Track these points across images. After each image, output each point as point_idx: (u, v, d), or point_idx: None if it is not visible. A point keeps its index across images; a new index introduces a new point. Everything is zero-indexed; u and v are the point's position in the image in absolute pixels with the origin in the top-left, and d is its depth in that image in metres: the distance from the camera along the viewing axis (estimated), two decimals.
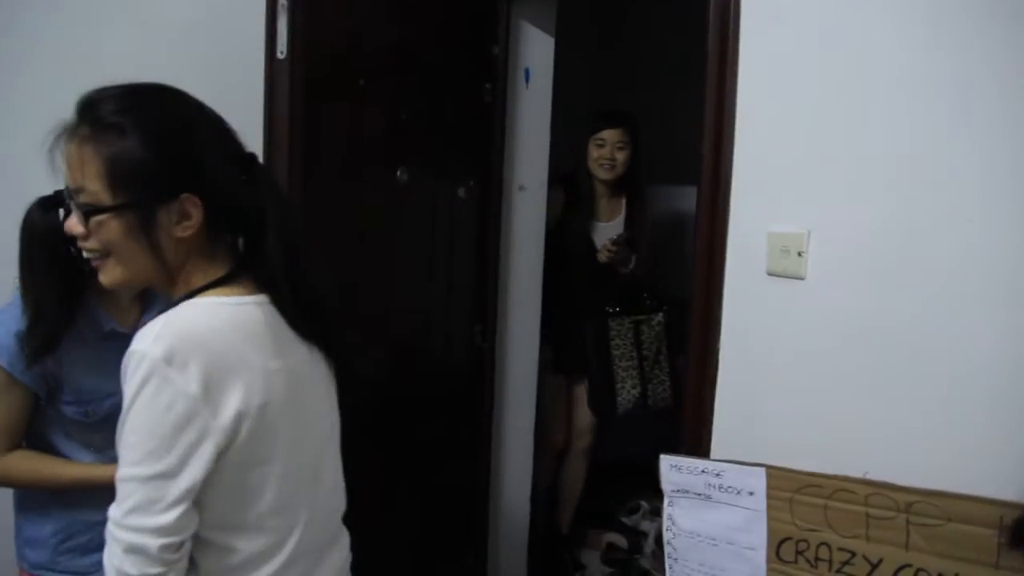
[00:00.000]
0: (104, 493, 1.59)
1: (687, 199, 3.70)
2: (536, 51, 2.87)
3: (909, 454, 1.39)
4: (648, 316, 3.26)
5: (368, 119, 2.27)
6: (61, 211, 1.50)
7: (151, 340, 1.12)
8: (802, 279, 1.54)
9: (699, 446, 1.77)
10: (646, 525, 3.68)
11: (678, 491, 1.61)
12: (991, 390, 1.31)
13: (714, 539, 1.55)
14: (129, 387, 1.14)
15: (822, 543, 1.42)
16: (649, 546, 3.46)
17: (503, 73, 2.75)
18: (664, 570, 3.13)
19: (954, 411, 1.35)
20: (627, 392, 3.21)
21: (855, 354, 1.47)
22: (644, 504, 3.82)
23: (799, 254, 1.54)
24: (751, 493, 1.49)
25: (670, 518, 1.63)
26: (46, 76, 2.15)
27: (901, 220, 1.39)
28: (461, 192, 2.66)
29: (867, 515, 1.37)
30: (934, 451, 1.37)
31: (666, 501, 1.63)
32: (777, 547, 1.47)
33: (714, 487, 1.54)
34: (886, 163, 1.41)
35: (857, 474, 1.41)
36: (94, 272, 1.40)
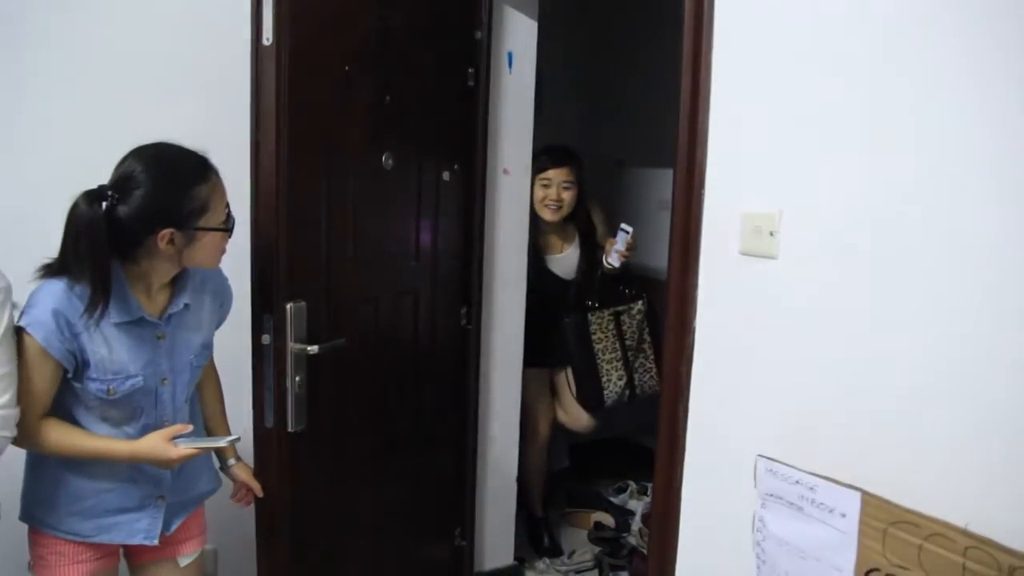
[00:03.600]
0: (116, 465, 1.78)
1: (668, 182, 3.78)
2: (519, 35, 2.89)
3: (880, 437, 1.40)
4: (628, 306, 3.28)
5: (354, 105, 2.29)
6: (104, 203, 1.65)
7: None
8: (774, 258, 1.57)
9: (675, 426, 1.81)
10: (633, 504, 3.73)
11: (772, 495, 1.58)
12: (968, 368, 1.29)
13: (802, 552, 1.52)
14: None
15: None
16: (636, 524, 3.50)
17: (486, 57, 2.77)
18: (647, 548, 3.19)
19: (928, 394, 1.34)
20: (613, 384, 3.25)
21: (826, 333, 1.50)
22: (631, 483, 3.87)
23: (771, 234, 1.56)
24: (843, 515, 1.45)
25: (761, 520, 1.61)
26: (33, 66, 2.17)
27: (873, 199, 1.40)
28: (446, 176, 2.68)
29: (964, 567, 1.28)
30: (908, 438, 1.36)
31: (759, 502, 1.61)
32: (865, 575, 1.42)
33: (807, 500, 1.51)
34: (859, 143, 1.42)
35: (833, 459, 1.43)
36: (132, 260, 1.71)
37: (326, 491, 2.35)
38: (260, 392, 2.12)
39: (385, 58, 2.37)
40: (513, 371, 3.12)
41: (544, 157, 3.13)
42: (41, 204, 2.17)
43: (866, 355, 1.42)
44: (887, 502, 1.38)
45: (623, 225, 3.12)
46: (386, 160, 2.40)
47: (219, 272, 1.96)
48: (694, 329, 1.77)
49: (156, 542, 1.87)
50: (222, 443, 1.91)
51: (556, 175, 3.16)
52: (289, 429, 2.10)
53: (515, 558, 3.27)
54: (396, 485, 2.65)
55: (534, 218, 3.14)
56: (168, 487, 1.88)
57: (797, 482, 1.53)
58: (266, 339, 2.08)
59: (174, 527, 1.92)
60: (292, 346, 2.09)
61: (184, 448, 1.76)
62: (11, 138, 2.17)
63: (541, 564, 3.36)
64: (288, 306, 2.08)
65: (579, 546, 3.54)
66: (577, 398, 3.33)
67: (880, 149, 1.39)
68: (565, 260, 3.32)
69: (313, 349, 2.11)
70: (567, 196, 3.19)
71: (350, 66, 2.22)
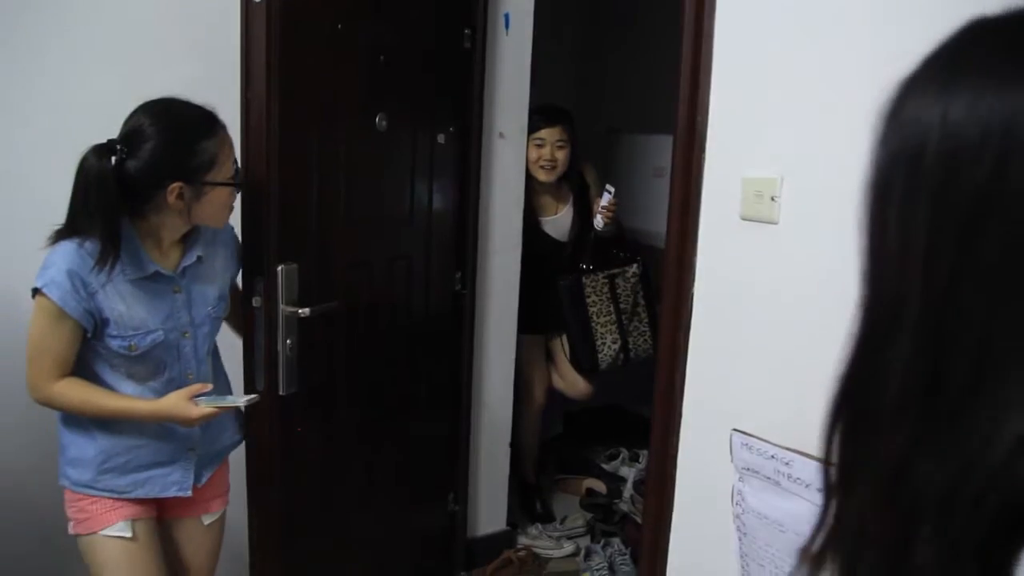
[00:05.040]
0: (144, 423, 1.81)
1: (663, 148, 3.75)
2: None
3: None
4: (622, 269, 3.26)
5: (346, 65, 2.25)
6: (113, 158, 1.67)
7: None
8: (775, 224, 1.55)
9: (672, 389, 1.80)
10: (625, 471, 3.74)
11: (748, 469, 1.58)
12: None
13: (781, 525, 1.52)
14: None
15: None
16: (628, 491, 3.51)
17: (483, 19, 2.73)
18: (640, 515, 3.20)
19: None
20: (608, 348, 3.23)
21: (825, 299, 1.48)
22: (623, 450, 3.88)
23: (772, 199, 1.54)
24: (820, 490, 1.45)
25: (740, 493, 1.61)
26: (22, 26, 2.12)
27: None
28: (441, 139, 2.65)
29: None
30: None
31: (736, 476, 1.62)
32: None
33: (783, 475, 1.51)
34: (862, 107, 1.40)
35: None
36: (141, 216, 1.72)
37: (318, 455, 2.35)
38: (251, 355, 2.10)
39: (379, 17, 2.32)
40: (508, 336, 3.11)
41: (537, 116, 3.10)
42: (32, 165, 2.16)
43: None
44: None
45: (607, 186, 3.11)
46: (380, 122, 2.36)
47: (229, 225, 1.96)
48: (692, 295, 1.75)
49: (190, 493, 1.92)
50: (241, 402, 1.93)
51: (549, 134, 3.13)
52: (280, 392, 2.09)
53: (508, 523, 3.29)
54: (390, 450, 2.65)
55: (528, 179, 3.12)
56: (198, 439, 1.92)
57: (772, 456, 1.53)
58: (256, 301, 2.06)
59: (205, 479, 1.96)
60: (283, 309, 2.07)
61: (204, 407, 1.79)
62: (5, 102, 2.13)
63: (533, 530, 3.37)
64: (279, 268, 2.05)
65: (571, 512, 3.55)
66: (571, 361, 3.33)
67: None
68: (559, 221, 3.30)
69: (304, 312, 2.09)
70: (560, 155, 3.16)
71: (343, 24, 2.18)
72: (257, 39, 1.98)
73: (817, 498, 1.42)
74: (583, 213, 3.28)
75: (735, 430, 1.61)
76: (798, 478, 1.48)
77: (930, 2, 1.30)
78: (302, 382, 2.13)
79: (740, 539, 1.62)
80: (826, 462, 0.60)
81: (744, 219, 1.62)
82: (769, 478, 1.54)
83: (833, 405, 0.60)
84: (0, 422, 2.21)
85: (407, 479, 2.77)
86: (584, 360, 3.25)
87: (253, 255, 2.06)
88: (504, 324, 3.08)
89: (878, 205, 0.57)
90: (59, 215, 2.16)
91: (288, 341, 2.08)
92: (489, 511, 3.20)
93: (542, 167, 3.14)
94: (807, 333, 1.51)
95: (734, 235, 1.65)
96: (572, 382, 3.41)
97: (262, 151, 1.99)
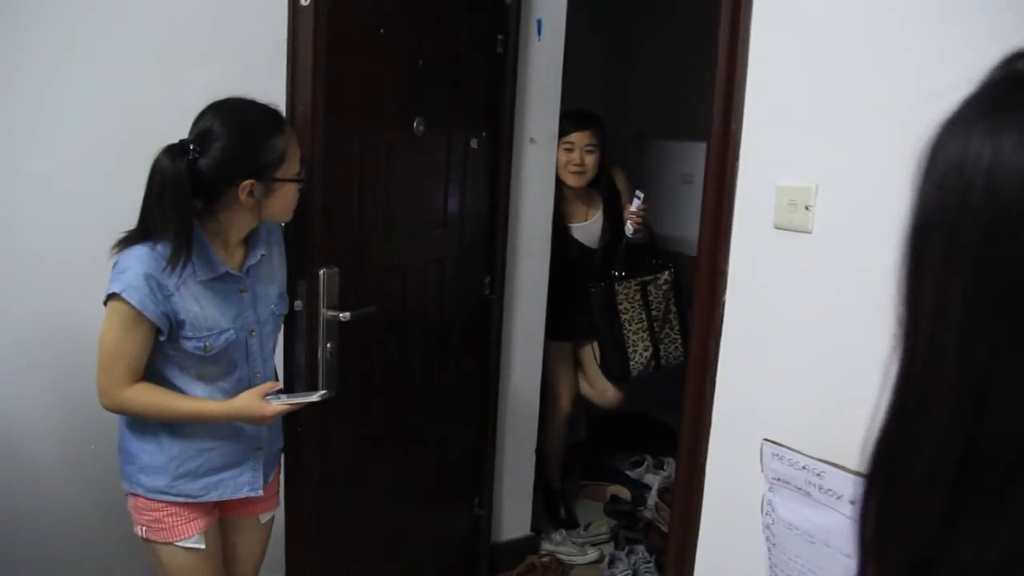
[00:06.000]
0: (216, 424, 1.83)
1: (691, 155, 3.73)
2: (549, 2, 2.85)
3: None
4: (654, 276, 3.24)
5: (388, 69, 2.27)
6: (186, 157, 1.70)
7: None
8: (809, 233, 1.55)
9: (702, 397, 1.79)
10: (649, 478, 3.73)
11: (778, 479, 1.57)
12: None
13: (812, 537, 1.50)
14: None
15: None
16: (652, 498, 3.50)
17: (515, 24, 2.74)
18: (664, 523, 3.20)
19: None
20: (639, 355, 3.21)
21: (859, 310, 1.47)
22: (648, 457, 3.87)
23: (807, 208, 1.54)
24: (852, 502, 1.41)
25: (770, 503, 1.59)
26: (63, 26, 2.14)
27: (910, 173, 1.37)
28: (474, 143, 2.66)
29: None
30: None
31: (766, 486, 1.60)
32: None
33: (814, 486, 1.49)
34: (902, 116, 1.39)
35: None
36: (211, 214, 1.75)
37: (350, 456, 2.37)
38: (292, 358, 2.12)
39: (417, 22, 2.34)
40: (535, 342, 3.11)
41: (565, 121, 3.10)
42: (73, 167, 2.18)
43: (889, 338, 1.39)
44: None
45: (636, 191, 3.09)
46: (417, 126, 2.38)
47: (277, 225, 1.99)
48: (724, 303, 1.74)
49: (262, 492, 1.95)
50: (314, 397, 1.90)
51: (579, 138, 3.12)
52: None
53: (532, 529, 3.29)
54: (417, 453, 2.66)
55: (558, 186, 3.12)
56: (265, 438, 1.95)
57: (804, 467, 1.51)
58: (298, 305, 2.08)
59: (270, 479, 2.00)
60: (324, 313, 2.08)
61: (277, 405, 1.81)
62: (42, 102, 2.15)
63: (557, 536, 3.37)
64: (321, 272, 2.07)
65: (595, 519, 3.55)
66: (601, 368, 3.31)
67: (924, 122, 1.35)
68: (590, 228, 3.29)
69: (345, 316, 2.10)
70: (590, 160, 3.15)
71: (385, 28, 2.19)
72: (304, 42, 2.01)
73: (849, 510, 1.43)
74: (613, 220, 3.27)
75: (766, 440, 1.60)
76: (830, 489, 1.47)
77: (972, 11, 1.29)
78: (339, 385, 2.14)
79: (769, 550, 1.61)
80: (861, 533, 0.56)
81: (777, 228, 1.61)
82: (800, 489, 1.52)
83: (867, 474, 0.56)
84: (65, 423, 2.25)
85: (433, 482, 2.78)
86: (615, 367, 3.24)
87: (295, 258, 2.07)
88: (531, 329, 3.08)
89: (913, 265, 0.52)
90: (98, 214, 2.19)
91: (328, 345, 2.10)
92: (513, 516, 3.20)
93: (571, 172, 3.14)
94: (841, 344, 1.49)
95: (767, 243, 1.64)
96: (602, 390, 3.39)
97: (307, 154, 2.01)
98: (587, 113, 3.20)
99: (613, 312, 3.16)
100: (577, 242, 3.27)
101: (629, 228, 3.09)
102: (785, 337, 1.61)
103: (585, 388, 3.45)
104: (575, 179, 3.15)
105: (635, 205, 3.06)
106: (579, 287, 3.18)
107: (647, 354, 3.22)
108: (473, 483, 2.98)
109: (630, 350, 3.20)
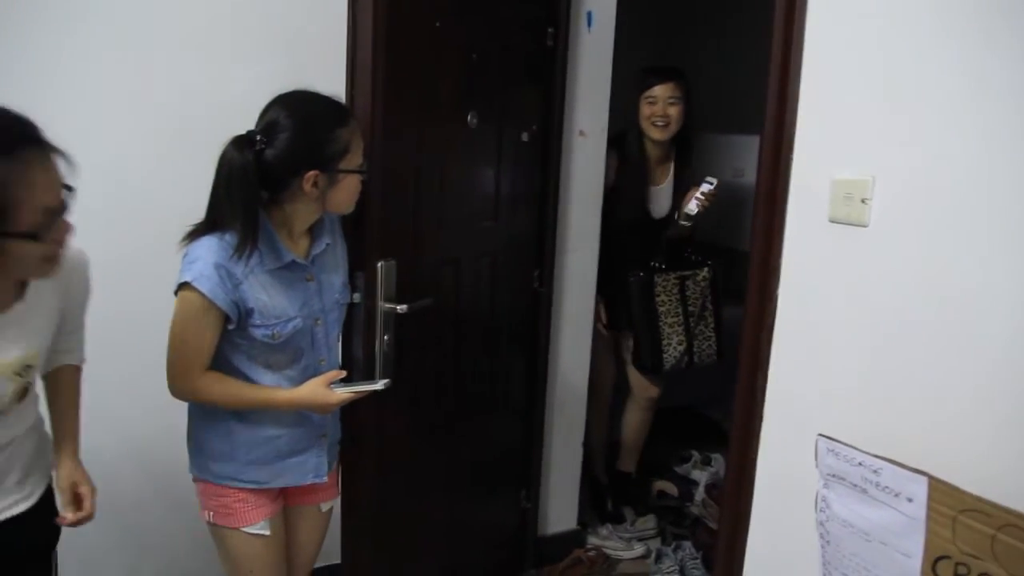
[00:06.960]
0: (282, 411, 1.86)
1: (738, 149, 3.70)
2: None
3: (954, 423, 1.34)
4: (693, 271, 3.21)
5: (444, 62, 2.28)
6: (253, 148, 1.73)
7: None
8: (865, 226, 1.52)
9: (754, 392, 1.78)
10: (697, 474, 3.71)
11: (834, 476, 1.55)
12: None
13: (867, 534, 1.48)
14: None
15: (984, 573, 1.29)
16: (699, 495, 3.48)
17: (566, 17, 2.73)
18: (711, 519, 3.17)
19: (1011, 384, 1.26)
20: (673, 349, 3.20)
21: (916, 304, 1.44)
22: (695, 453, 3.84)
23: (863, 201, 1.51)
24: (910, 499, 1.39)
25: (824, 500, 1.58)
26: (119, 19, 2.18)
27: (977, 169, 1.33)
28: (524, 136, 2.66)
29: None
30: (984, 425, 1.30)
31: (821, 482, 1.58)
32: (934, 562, 1.37)
33: (871, 483, 1.47)
34: (962, 107, 1.36)
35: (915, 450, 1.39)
36: (277, 205, 1.79)
37: (403, 447, 2.39)
38: (348, 350, 2.15)
39: (471, 14, 2.35)
40: (583, 335, 3.11)
41: (648, 73, 3.10)
42: (131, 157, 2.22)
43: (951, 335, 1.36)
44: (956, 489, 1.33)
45: (708, 177, 3.06)
46: (471, 119, 2.39)
47: (338, 216, 2.01)
48: (776, 297, 1.72)
49: (326, 479, 1.99)
50: (378, 386, 1.91)
51: (662, 91, 3.08)
52: None
53: (578, 523, 3.28)
54: (467, 445, 2.68)
55: (642, 147, 3.13)
56: (330, 426, 1.99)
57: (860, 464, 1.49)
58: (356, 297, 2.10)
59: (332, 466, 2.04)
60: (382, 305, 2.10)
61: (342, 393, 1.85)
62: (99, 90, 2.19)
63: (604, 530, 3.36)
64: (379, 264, 2.09)
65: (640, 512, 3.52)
66: (633, 359, 3.30)
67: (985, 112, 1.32)
68: (661, 194, 3.25)
69: (402, 308, 2.12)
70: (673, 112, 3.10)
71: (440, 21, 2.21)
72: (363, 33, 2.02)
73: (906, 508, 1.41)
74: (679, 189, 3.22)
75: (821, 435, 1.58)
76: (887, 487, 1.44)
77: None
78: (395, 376, 2.15)
79: (823, 547, 1.59)
80: None
81: (832, 221, 1.59)
82: (856, 485, 1.50)
83: None
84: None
85: (481, 474, 2.79)
86: (647, 358, 3.22)
87: (354, 251, 2.08)
88: (580, 322, 3.08)
89: None
90: (149, 206, 2.23)
91: (385, 337, 2.12)
92: (560, 509, 3.20)
93: (655, 124, 3.10)
94: (897, 339, 1.47)
95: (821, 237, 1.62)
96: (644, 385, 3.38)
97: (366, 146, 2.03)
98: (670, 66, 3.17)
99: (650, 303, 3.14)
100: (647, 211, 3.23)
101: (693, 207, 3.04)
102: (839, 332, 1.59)
103: (633, 379, 3.43)
104: (659, 132, 3.11)
105: (706, 188, 3.03)
106: (621, 278, 3.16)
107: (681, 348, 3.20)
108: (521, 476, 2.99)
109: (664, 343, 3.18)
